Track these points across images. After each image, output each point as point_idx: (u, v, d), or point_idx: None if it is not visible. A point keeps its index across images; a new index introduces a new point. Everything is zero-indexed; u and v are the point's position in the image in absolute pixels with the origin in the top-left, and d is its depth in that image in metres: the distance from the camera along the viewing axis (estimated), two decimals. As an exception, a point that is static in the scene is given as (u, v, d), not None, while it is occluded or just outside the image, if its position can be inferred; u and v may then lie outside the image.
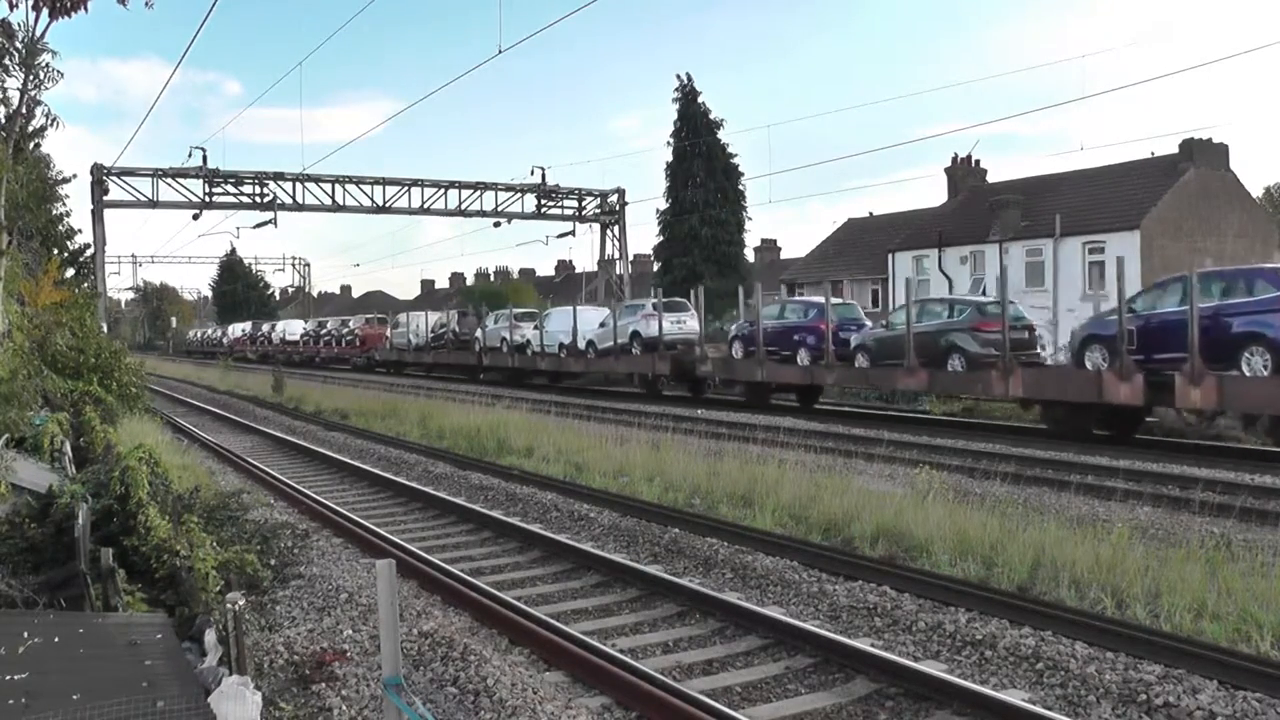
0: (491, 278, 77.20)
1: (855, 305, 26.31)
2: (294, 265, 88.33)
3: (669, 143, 43.15)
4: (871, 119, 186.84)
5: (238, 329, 68.68)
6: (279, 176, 40.35)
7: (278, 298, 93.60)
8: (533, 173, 44.04)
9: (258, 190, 40.14)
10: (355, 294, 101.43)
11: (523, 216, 44.62)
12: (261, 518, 10.63)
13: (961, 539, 8.59)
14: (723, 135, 42.58)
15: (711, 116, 42.64)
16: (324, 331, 55.05)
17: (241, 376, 38.52)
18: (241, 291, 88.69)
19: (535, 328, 32.98)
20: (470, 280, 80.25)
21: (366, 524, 10.52)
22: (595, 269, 48.41)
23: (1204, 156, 32.33)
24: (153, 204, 38.97)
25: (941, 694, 5.66)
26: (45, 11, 10.29)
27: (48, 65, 11.74)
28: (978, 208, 36.28)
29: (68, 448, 10.05)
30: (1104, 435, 16.73)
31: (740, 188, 42.87)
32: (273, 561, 8.67)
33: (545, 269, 78.22)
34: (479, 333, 36.94)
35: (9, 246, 12.58)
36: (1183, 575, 7.19)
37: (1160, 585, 7.16)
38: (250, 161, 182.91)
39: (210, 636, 4.50)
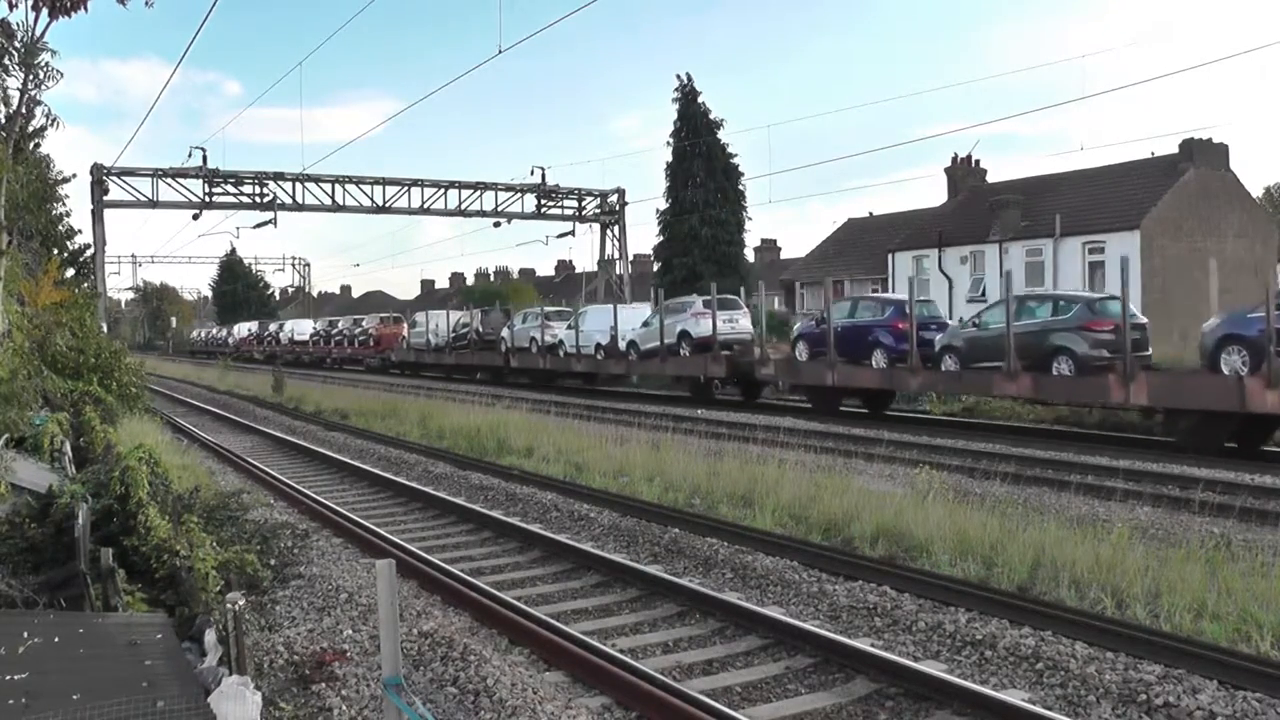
0: (491, 278, 77.19)
1: (934, 303, 23.69)
2: (294, 265, 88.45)
3: (669, 143, 43.09)
4: (871, 119, 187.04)
5: (244, 328, 67.46)
6: (279, 176, 40.33)
7: (278, 298, 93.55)
8: (533, 173, 44.07)
9: (258, 190, 40.12)
10: (355, 294, 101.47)
11: (523, 216, 44.62)
12: (261, 518, 10.63)
13: (961, 539, 8.59)
14: (723, 135, 42.52)
15: (711, 116, 42.56)
16: (335, 331, 53.11)
17: (241, 376, 38.51)
18: (241, 291, 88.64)
19: (569, 327, 30.98)
20: (470, 280, 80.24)
21: (366, 524, 10.52)
22: (595, 269, 48.40)
23: (1204, 156, 32.31)
24: (153, 204, 38.95)
25: (941, 694, 5.66)
26: (45, 11, 10.30)
27: (47, 65, 11.73)
28: (978, 208, 36.26)
29: (68, 448, 10.05)
30: (1231, 448, 15.19)
31: (740, 188, 42.79)
32: (273, 561, 8.67)
33: (545, 269, 78.31)
34: (505, 332, 34.79)
35: (9, 246, 12.57)
36: (1183, 575, 7.19)
37: (1160, 585, 7.16)
38: (250, 161, 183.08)
39: (210, 636, 4.50)
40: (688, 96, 42.69)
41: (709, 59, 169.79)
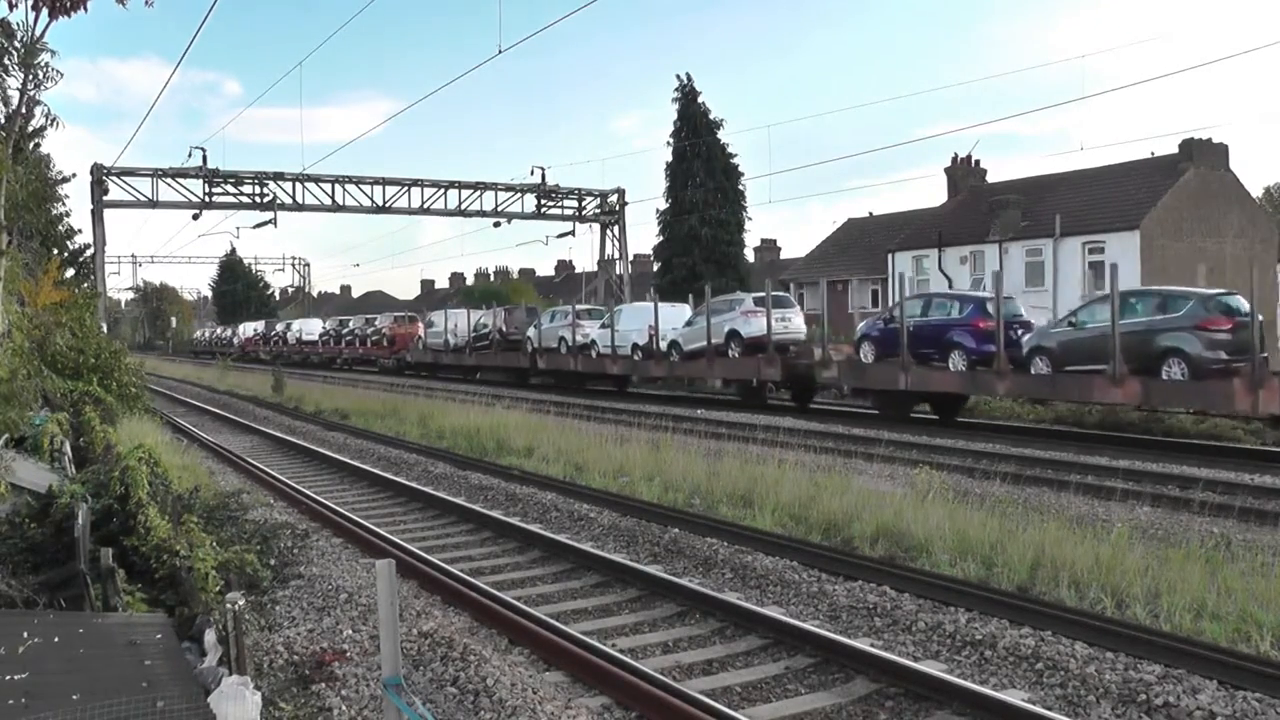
0: (491, 278, 77.21)
1: (1016, 300, 21.64)
2: (294, 265, 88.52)
3: (669, 143, 43.13)
4: (871, 119, 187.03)
5: (249, 328, 65.98)
6: (279, 176, 40.33)
7: (277, 298, 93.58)
8: (533, 173, 44.06)
9: (257, 190, 40.11)
10: (355, 294, 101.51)
11: (523, 216, 44.61)
12: (261, 518, 10.63)
13: (961, 539, 8.59)
14: (723, 135, 42.59)
15: (711, 116, 42.62)
16: (346, 331, 51.58)
17: (241, 376, 38.52)
18: (241, 291, 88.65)
19: (603, 326, 29.25)
20: (470, 280, 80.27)
21: (366, 524, 10.52)
22: (595, 269, 48.41)
23: (1204, 156, 32.35)
24: (152, 204, 38.95)
25: (941, 694, 5.66)
26: (45, 11, 10.28)
27: (47, 65, 11.75)
28: (977, 208, 36.28)
29: (68, 448, 10.05)
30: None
31: (740, 188, 42.84)
32: (272, 561, 8.66)
33: (545, 269, 78.45)
34: (531, 331, 32.82)
35: (9, 246, 12.58)
36: (1183, 575, 7.20)
37: (1160, 585, 7.16)
38: (250, 161, 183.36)
39: (210, 636, 4.50)
40: (688, 96, 42.72)
41: (709, 59, 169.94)
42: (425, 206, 42.83)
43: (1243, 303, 15.74)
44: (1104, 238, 30.88)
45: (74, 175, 37.33)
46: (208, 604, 5.01)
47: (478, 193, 43.47)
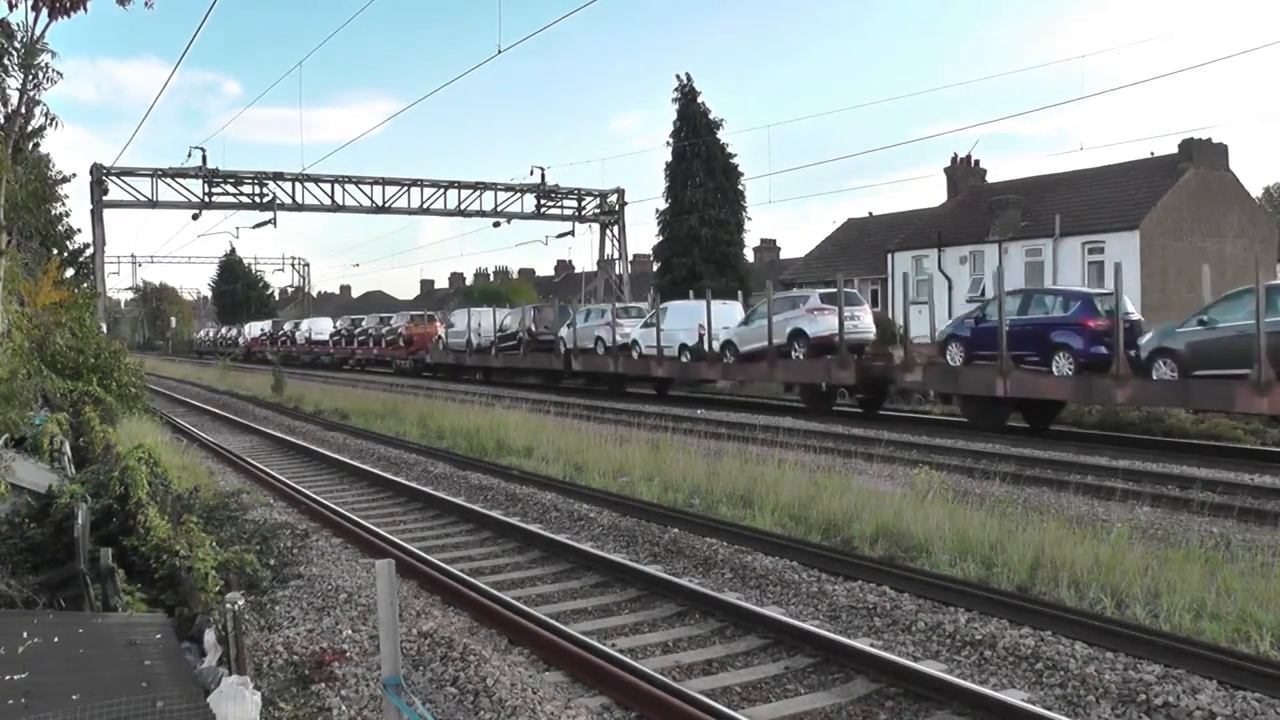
0: (491, 278, 77.21)
1: (1126, 298, 19.07)
2: (294, 265, 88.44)
3: (669, 143, 43.11)
4: (871, 119, 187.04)
5: (255, 328, 64.42)
6: (278, 176, 40.34)
7: (277, 298, 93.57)
8: (532, 173, 44.07)
9: (257, 190, 40.12)
10: (355, 294, 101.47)
11: (522, 216, 44.62)
12: (261, 518, 10.63)
13: (961, 539, 8.59)
14: (722, 135, 42.56)
15: (711, 116, 42.59)
16: (359, 331, 49.67)
17: (241, 377, 38.51)
18: (241, 291, 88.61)
19: (645, 325, 27.55)
20: (470, 280, 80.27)
21: (366, 524, 10.52)
22: (595, 269, 48.42)
23: (1204, 156, 32.35)
24: (152, 204, 38.95)
25: (941, 694, 5.66)
26: (45, 11, 10.31)
27: (47, 65, 11.75)
28: (977, 208, 36.28)
29: (67, 448, 10.06)
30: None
31: (740, 188, 42.82)
32: (272, 561, 8.66)
33: (545, 269, 78.35)
34: (564, 331, 30.81)
35: (9, 246, 12.58)
36: (1182, 575, 7.20)
37: (1160, 585, 7.16)
38: (250, 161, 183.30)
39: (210, 636, 4.50)
40: (687, 96, 42.70)
41: (709, 59, 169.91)
42: (425, 206, 42.84)
43: None
44: (1104, 238, 30.87)
45: (74, 175, 37.33)
46: (207, 604, 5.01)
47: (477, 193, 43.48)
